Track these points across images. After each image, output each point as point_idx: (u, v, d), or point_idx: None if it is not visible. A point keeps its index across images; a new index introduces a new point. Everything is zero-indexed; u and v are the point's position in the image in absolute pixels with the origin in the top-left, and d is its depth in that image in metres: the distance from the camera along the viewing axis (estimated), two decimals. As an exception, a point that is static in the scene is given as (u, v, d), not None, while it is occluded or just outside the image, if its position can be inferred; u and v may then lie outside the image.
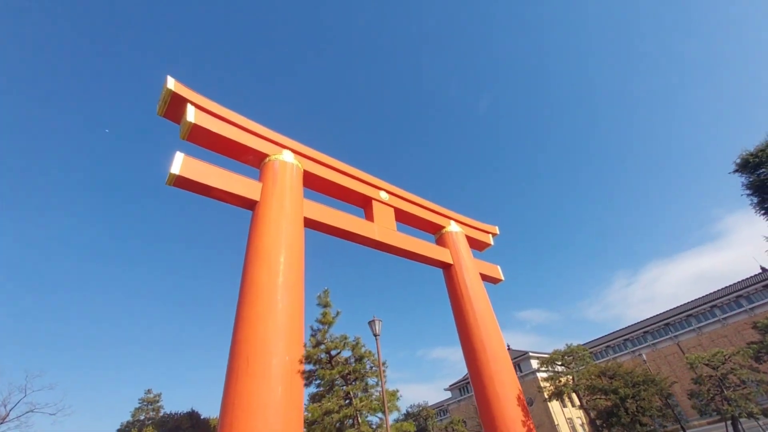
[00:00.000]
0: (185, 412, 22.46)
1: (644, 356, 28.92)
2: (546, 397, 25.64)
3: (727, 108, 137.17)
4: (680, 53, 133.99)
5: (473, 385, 22.69)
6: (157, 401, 30.26)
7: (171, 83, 17.72)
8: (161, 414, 28.08)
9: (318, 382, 12.76)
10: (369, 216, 23.90)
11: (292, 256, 16.67)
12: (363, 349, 12.58)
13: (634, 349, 51.44)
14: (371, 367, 12.28)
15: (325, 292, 14.48)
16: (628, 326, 57.49)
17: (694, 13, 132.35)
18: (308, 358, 12.72)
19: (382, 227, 23.30)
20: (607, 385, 20.57)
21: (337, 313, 13.82)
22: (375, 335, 11.32)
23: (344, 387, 12.20)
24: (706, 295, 49.76)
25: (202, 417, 22.71)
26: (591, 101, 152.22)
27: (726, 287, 48.05)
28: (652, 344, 49.95)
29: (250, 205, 18.30)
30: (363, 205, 24.85)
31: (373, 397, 11.75)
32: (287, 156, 20.53)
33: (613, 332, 58.54)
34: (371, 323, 11.61)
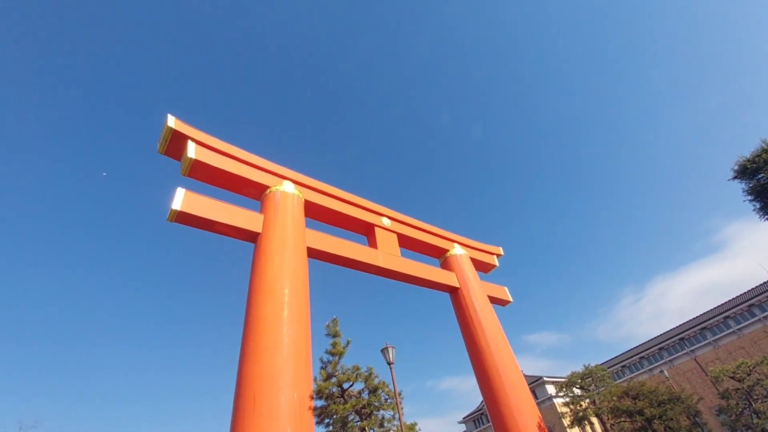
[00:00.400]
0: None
1: (666, 372, 27.72)
2: (568, 423, 24.42)
3: (720, 117, 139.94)
4: (676, 65, 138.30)
5: (490, 413, 21.68)
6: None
7: (171, 121, 17.99)
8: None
9: (329, 420, 12.06)
10: (372, 243, 23.70)
11: (297, 288, 16.32)
12: (376, 380, 11.96)
13: (651, 366, 49.77)
14: (386, 399, 11.64)
15: (334, 321, 14.01)
16: (643, 343, 55.87)
17: (688, 18, 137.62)
18: (319, 393, 12.09)
19: (386, 254, 23.04)
20: (632, 406, 19.56)
21: (348, 343, 13.29)
22: (389, 363, 10.80)
23: (358, 423, 11.50)
24: (719, 306, 48.69)
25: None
26: (588, 117, 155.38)
27: (737, 296, 47.06)
28: (669, 360, 48.37)
29: (252, 237, 18.13)
30: (365, 232, 24.70)
31: (396, 430, 11.05)
32: (288, 187, 20.57)
33: (628, 351, 56.87)
34: (384, 351, 11.12)
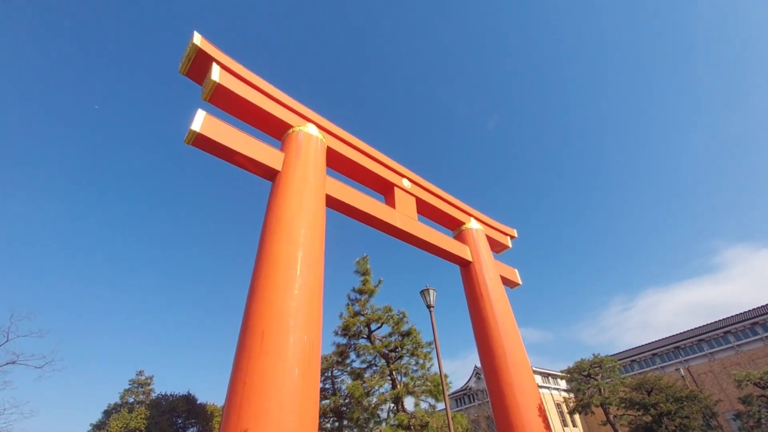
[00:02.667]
0: (181, 394, 20.90)
1: (681, 371, 27.29)
2: (567, 410, 23.96)
3: (730, 141, 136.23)
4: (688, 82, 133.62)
5: (490, 391, 21.17)
6: (149, 384, 28.59)
7: (197, 39, 16.58)
8: (152, 397, 26.51)
9: (357, 359, 11.26)
10: (390, 203, 22.61)
11: (314, 231, 15.37)
12: (406, 326, 11.11)
13: (664, 364, 48.55)
14: (415, 347, 10.82)
15: (364, 259, 13.12)
16: (655, 341, 53.89)
17: (700, 38, 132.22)
18: (345, 330, 11.27)
19: (404, 215, 21.98)
20: (646, 399, 18.96)
21: (379, 282, 12.41)
22: (429, 306, 9.94)
23: (377, 367, 10.70)
24: (743, 312, 46.62)
25: (198, 402, 21.17)
26: (600, 129, 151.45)
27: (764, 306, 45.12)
28: (684, 360, 47.16)
29: (270, 174, 17.05)
30: (384, 191, 23.58)
31: (425, 378, 10.25)
32: (312, 129, 19.32)
33: (638, 346, 55.22)
34: (424, 293, 10.24)
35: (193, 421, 19.65)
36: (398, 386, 10.13)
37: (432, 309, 10.11)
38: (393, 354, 10.84)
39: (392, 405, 10.01)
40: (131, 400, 27.13)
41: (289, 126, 18.80)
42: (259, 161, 16.38)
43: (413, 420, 9.22)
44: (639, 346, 55.99)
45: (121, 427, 17.90)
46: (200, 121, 15.18)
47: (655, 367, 49.49)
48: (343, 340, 11.52)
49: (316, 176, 17.40)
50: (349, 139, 21.42)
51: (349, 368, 28.10)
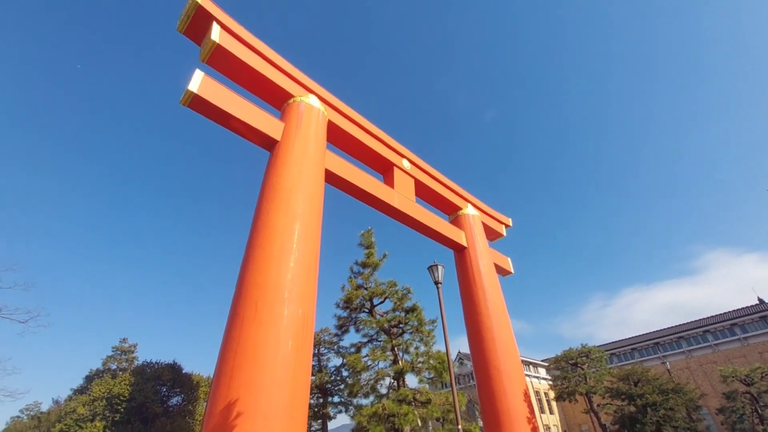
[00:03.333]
0: (166, 362, 20.58)
1: (668, 365, 27.97)
2: (545, 398, 24.36)
3: (718, 151, 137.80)
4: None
5: (477, 377, 21.27)
6: (132, 351, 28.18)
7: (197, -6, 15.64)
8: (135, 365, 26.18)
9: (358, 333, 10.99)
10: (389, 182, 22.17)
11: (312, 203, 14.94)
12: (409, 303, 10.83)
13: (644, 358, 49.73)
14: (419, 324, 10.55)
15: (369, 232, 12.78)
16: (639, 335, 55.18)
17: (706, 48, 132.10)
18: (347, 302, 10.96)
19: (402, 196, 21.61)
20: (633, 389, 19.28)
21: (384, 256, 12.07)
22: (436, 282, 9.67)
23: (380, 342, 10.44)
24: (726, 312, 48.00)
25: (183, 371, 20.91)
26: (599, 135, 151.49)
27: (751, 306, 46.33)
28: (662, 356, 48.45)
29: (269, 144, 16.45)
30: (383, 170, 23.09)
31: (429, 355, 10.02)
32: (313, 100, 18.64)
33: (621, 340, 56.41)
34: (433, 268, 9.95)
35: (178, 390, 19.40)
36: (400, 362, 9.90)
37: (440, 285, 9.87)
38: (395, 330, 10.57)
39: (393, 381, 9.79)
40: (114, 366, 26.76)
41: (290, 95, 18.10)
42: (258, 129, 15.75)
43: (418, 395, 9.04)
44: (619, 340, 57.39)
45: (103, 393, 17.57)
46: (198, 82, 14.45)
47: (633, 361, 50.81)
48: (344, 314, 11.20)
49: (316, 149, 16.86)
50: (351, 114, 20.79)
51: (335, 347, 28.24)
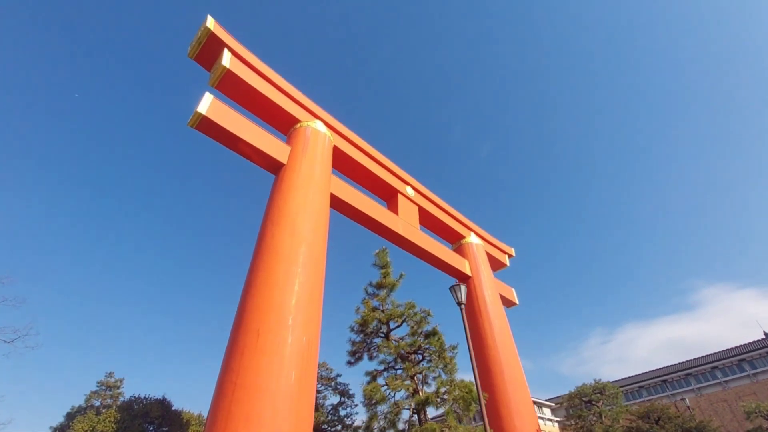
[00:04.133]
0: (155, 398, 19.18)
1: (687, 401, 26.62)
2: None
3: (713, 185, 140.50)
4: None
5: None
6: (119, 387, 26.49)
7: (210, 23, 16.01)
8: (120, 402, 24.59)
9: (371, 360, 10.19)
10: (393, 209, 21.95)
11: (318, 228, 14.55)
12: (427, 327, 10.15)
13: (651, 397, 47.31)
14: (442, 350, 9.78)
15: (384, 251, 12.25)
16: (642, 373, 52.36)
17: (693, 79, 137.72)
18: (363, 326, 10.24)
19: (406, 223, 21.35)
20: (655, 428, 18.13)
21: (401, 276, 11.49)
22: (459, 304, 9.09)
23: (400, 370, 9.64)
24: (734, 347, 46.35)
25: (173, 408, 19.50)
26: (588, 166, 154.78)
27: (758, 341, 44.88)
28: (671, 394, 46.19)
29: (275, 167, 16.30)
30: (387, 197, 22.94)
31: (454, 384, 9.18)
32: (319, 126, 18.71)
33: (631, 376, 53.44)
34: (455, 288, 9.41)
35: (166, 429, 18.05)
36: (420, 392, 9.14)
37: (463, 306, 9.29)
38: (412, 356, 9.86)
39: (412, 414, 8.95)
40: (97, 403, 25.16)
41: (297, 120, 18.17)
42: (265, 152, 15.64)
43: (447, 430, 8.23)
44: (625, 378, 55.41)
45: (86, 430, 16.24)
46: (207, 104, 14.47)
47: (641, 399, 48.82)
48: (358, 338, 10.49)
49: (322, 173, 16.70)
50: (356, 140, 20.87)
51: (333, 383, 26.82)
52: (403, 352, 9.61)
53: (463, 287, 9.53)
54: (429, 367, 9.46)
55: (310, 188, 15.44)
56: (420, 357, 9.79)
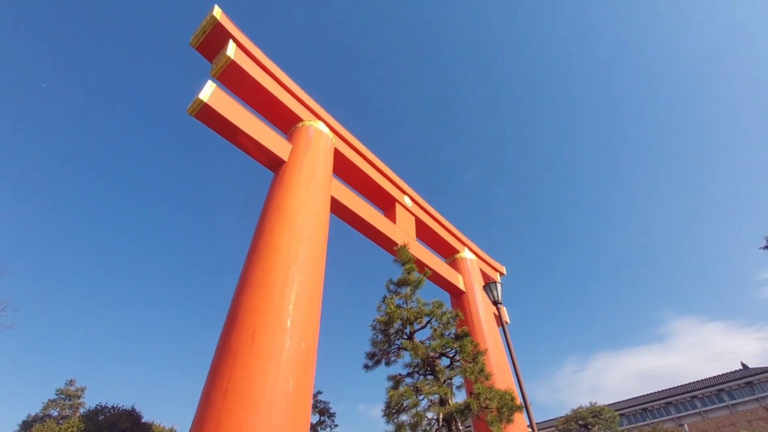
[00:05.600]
0: (124, 408, 17.39)
1: (686, 427, 26.18)
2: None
3: (681, 219, 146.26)
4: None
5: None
6: (79, 397, 24.33)
7: (217, 12, 15.48)
8: (80, 412, 22.48)
9: (390, 365, 9.23)
10: (390, 218, 21.36)
11: (319, 228, 13.79)
12: (449, 332, 9.27)
13: (630, 426, 46.78)
14: (476, 355, 8.88)
15: (404, 246, 11.45)
16: (622, 401, 51.72)
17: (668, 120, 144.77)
18: (387, 324, 9.30)
19: (404, 232, 20.75)
20: None
21: (425, 273, 10.68)
22: (496, 303, 8.35)
23: (433, 374, 8.67)
24: (714, 377, 46.69)
25: (143, 420, 17.75)
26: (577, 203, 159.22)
27: (736, 371, 45.37)
28: (651, 423, 45.72)
29: (275, 163, 15.56)
30: (385, 206, 22.35)
31: (492, 392, 8.31)
32: (322, 126, 18.15)
33: (627, 399, 52.33)
34: (490, 287, 8.66)
35: (134, 443, 16.39)
36: (450, 401, 8.30)
37: (500, 306, 8.59)
38: (437, 361, 9.03)
39: (442, 425, 8.05)
40: (55, 413, 22.96)
41: (299, 119, 17.58)
42: (266, 146, 14.91)
43: None
44: (606, 405, 55.11)
45: (44, 442, 14.50)
46: (209, 91, 13.74)
47: (622, 428, 48.43)
48: (380, 337, 9.58)
49: (324, 173, 16.05)
50: (357, 145, 20.37)
51: (314, 401, 25.42)
52: (431, 355, 8.78)
53: (498, 285, 8.88)
54: (464, 372, 8.61)
55: (312, 187, 14.73)
56: (448, 361, 8.95)
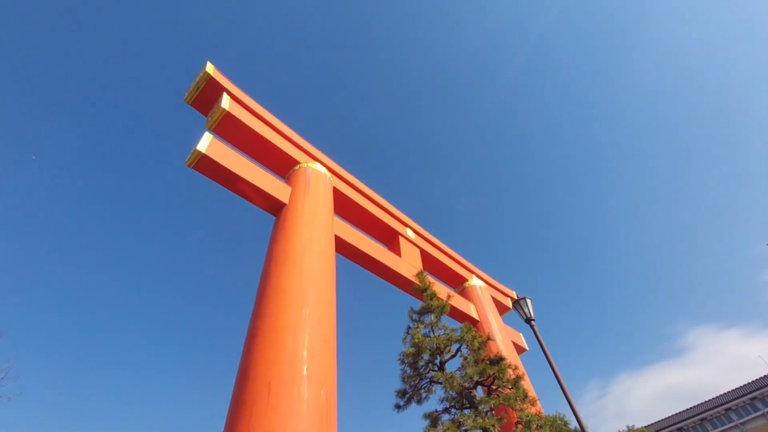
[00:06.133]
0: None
1: None
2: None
3: (690, 226, 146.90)
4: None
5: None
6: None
7: (210, 68, 16.03)
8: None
9: (422, 402, 8.52)
10: (395, 252, 21.09)
11: (327, 269, 13.47)
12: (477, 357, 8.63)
13: None
14: (516, 380, 8.18)
15: (421, 272, 11.04)
16: (656, 422, 48.91)
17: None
18: (416, 356, 8.66)
19: (410, 265, 20.39)
20: None
21: (449, 297, 10.17)
22: (529, 320, 7.82)
23: (456, 414, 8.01)
24: (744, 385, 44.47)
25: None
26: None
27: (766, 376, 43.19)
28: None
29: (275, 207, 15.46)
30: (388, 240, 22.13)
31: (543, 421, 7.58)
32: (319, 167, 18.30)
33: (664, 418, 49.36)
34: (520, 303, 8.13)
35: None
36: None
37: (533, 323, 8.08)
38: (473, 391, 8.36)
39: None
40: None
41: (296, 162, 17.74)
42: (266, 191, 14.89)
43: None
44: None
45: None
46: (206, 142, 13.90)
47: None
48: (409, 371, 8.93)
49: (326, 212, 15.95)
50: (355, 183, 20.49)
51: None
52: (466, 385, 8.15)
53: (528, 300, 8.39)
54: (507, 400, 7.93)
55: (315, 227, 14.56)
56: (487, 389, 8.29)
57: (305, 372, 9.77)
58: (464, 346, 8.95)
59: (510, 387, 8.29)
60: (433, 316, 9.65)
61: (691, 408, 47.97)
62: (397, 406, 9.06)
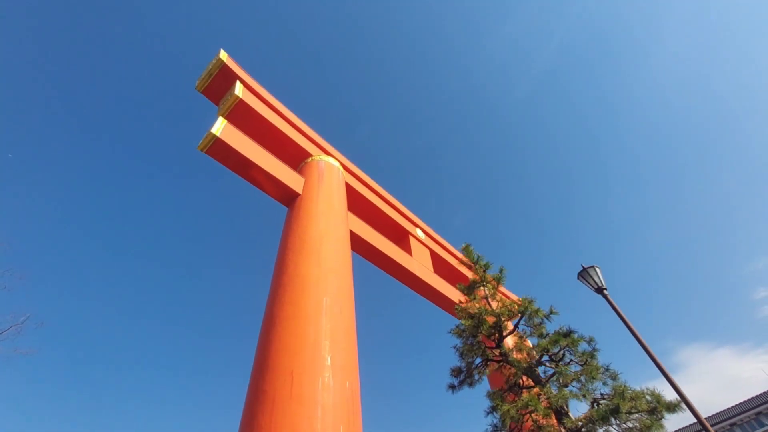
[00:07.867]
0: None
1: None
2: None
3: (671, 247, 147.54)
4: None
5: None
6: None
7: (223, 55, 15.67)
8: None
9: (476, 382, 7.73)
10: (406, 251, 20.48)
11: (344, 259, 12.86)
12: (550, 326, 7.82)
13: None
14: (591, 354, 7.34)
15: (467, 247, 10.40)
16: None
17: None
18: (474, 329, 7.84)
19: (421, 265, 19.79)
20: None
21: (501, 270, 9.51)
22: (600, 290, 7.15)
23: (542, 382, 7.08)
24: (748, 400, 43.74)
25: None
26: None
27: None
28: None
29: (289, 197, 14.87)
30: (398, 239, 21.50)
31: (623, 395, 6.74)
32: (332, 161, 17.81)
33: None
34: (586, 272, 7.44)
35: None
36: (569, 413, 6.82)
37: (606, 291, 7.41)
38: (540, 367, 7.64)
39: None
40: None
41: (308, 154, 17.24)
42: (280, 180, 14.32)
43: None
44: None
45: None
46: (220, 126, 13.36)
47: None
48: (471, 341, 8.15)
49: (340, 205, 15.41)
50: (366, 179, 20.02)
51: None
52: (535, 361, 7.45)
53: (597, 269, 7.72)
54: (588, 372, 7.17)
55: (332, 218, 13.99)
56: (558, 366, 7.57)
57: (329, 362, 9.06)
58: (525, 319, 8.32)
59: (583, 362, 7.58)
60: (489, 286, 9.03)
61: (691, 425, 46.94)
62: (451, 386, 8.31)
